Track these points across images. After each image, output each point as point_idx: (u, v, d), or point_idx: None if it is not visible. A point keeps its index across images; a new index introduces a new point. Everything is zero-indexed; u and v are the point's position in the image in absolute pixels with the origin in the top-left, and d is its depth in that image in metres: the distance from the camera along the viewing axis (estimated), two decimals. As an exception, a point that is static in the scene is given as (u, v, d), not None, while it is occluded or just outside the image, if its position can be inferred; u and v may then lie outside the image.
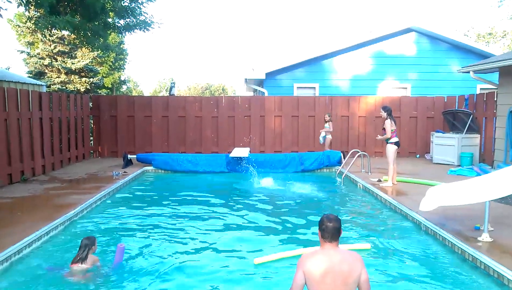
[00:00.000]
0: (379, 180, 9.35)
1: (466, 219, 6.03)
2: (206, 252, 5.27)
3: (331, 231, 3.16)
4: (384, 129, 8.87)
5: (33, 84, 13.35)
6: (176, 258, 5.04)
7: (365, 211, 7.38)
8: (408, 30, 15.55)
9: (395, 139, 8.77)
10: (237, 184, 9.66)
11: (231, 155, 11.31)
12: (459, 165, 11.25)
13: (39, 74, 19.62)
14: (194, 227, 6.34)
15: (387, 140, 8.83)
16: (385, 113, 8.78)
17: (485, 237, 5.19)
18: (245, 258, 5.05)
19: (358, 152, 10.77)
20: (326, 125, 12.48)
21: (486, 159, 11.43)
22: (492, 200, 5.24)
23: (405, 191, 8.19)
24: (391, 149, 8.76)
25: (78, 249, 4.60)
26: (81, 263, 4.49)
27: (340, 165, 11.13)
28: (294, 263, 4.68)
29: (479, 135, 11.70)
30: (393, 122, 8.74)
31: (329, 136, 12.48)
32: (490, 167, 10.68)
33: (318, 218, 6.72)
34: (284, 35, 77.03)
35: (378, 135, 9.29)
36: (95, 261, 4.62)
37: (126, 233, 6.02)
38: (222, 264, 4.86)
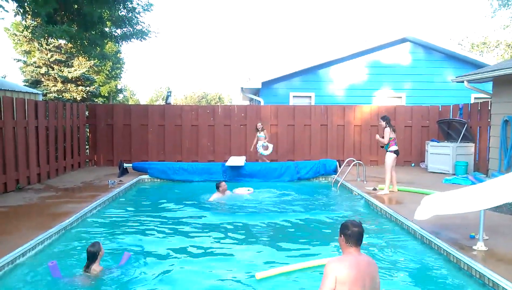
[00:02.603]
0: (375, 189, 9.38)
1: (461, 228, 6.05)
2: (205, 267, 5.09)
3: (356, 236, 3.26)
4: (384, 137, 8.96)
5: (29, 92, 13.37)
6: (173, 273, 4.91)
7: (360, 220, 7.35)
8: (403, 40, 15.71)
9: (394, 148, 8.85)
10: (233, 194, 9.61)
11: (227, 164, 11.31)
12: (454, 174, 11.30)
13: (35, 83, 19.64)
14: (190, 239, 6.22)
15: (386, 148, 8.90)
16: (384, 122, 8.90)
17: (480, 245, 5.20)
18: (246, 274, 4.89)
19: (354, 160, 10.81)
20: (262, 134, 12.31)
21: (480, 168, 11.49)
22: (487, 209, 5.27)
23: (401, 200, 8.21)
24: (390, 157, 8.83)
25: (86, 258, 4.69)
26: (87, 271, 4.60)
27: (335, 174, 11.16)
28: (297, 276, 4.68)
29: (473, 144, 11.77)
30: (392, 131, 8.83)
31: (266, 144, 12.24)
32: (485, 176, 10.73)
33: (316, 228, 6.75)
34: (280, 44, 77.47)
35: (377, 135, 9.25)
36: (100, 270, 4.68)
37: (122, 243, 5.98)
38: (223, 281, 4.71)
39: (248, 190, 9.72)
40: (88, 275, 4.60)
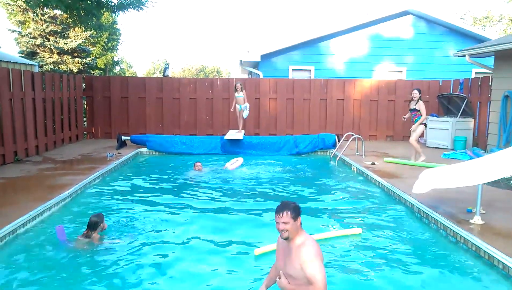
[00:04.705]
0: (373, 163, 9.40)
1: (458, 202, 6.10)
2: (203, 244, 5.06)
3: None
4: (414, 110, 9.25)
5: (25, 64, 13.17)
6: (171, 247, 4.91)
7: (358, 194, 7.42)
8: (405, 13, 15.45)
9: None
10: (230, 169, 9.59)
11: (226, 137, 11.29)
12: (452, 149, 11.32)
13: (31, 54, 19.32)
14: (187, 214, 6.17)
15: (416, 121, 9.26)
16: (419, 95, 9.20)
17: (477, 219, 5.25)
18: (245, 250, 4.88)
19: (353, 135, 10.79)
20: (241, 94, 11.46)
21: (479, 143, 11.50)
22: (484, 184, 5.29)
23: (399, 174, 8.24)
24: (421, 129, 9.31)
25: (86, 226, 4.85)
26: (86, 238, 4.77)
27: (334, 148, 11.16)
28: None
29: (473, 119, 11.74)
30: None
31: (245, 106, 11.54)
32: (484, 151, 10.75)
33: (313, 202, 6.76)
34: (280, 16, 76.25)
35: (404, 117, 9.71)
36: (98, 238, 4.85)
37: (120, 215, 6.02)
38: (222, 256, 4.70)
39: (237, 160, 9.52)
40: (88, 241, 4.75)
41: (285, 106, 13.70)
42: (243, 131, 11.96)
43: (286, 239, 3.13)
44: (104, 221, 4.95)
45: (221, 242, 5.12)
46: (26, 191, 6.64)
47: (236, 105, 11.65)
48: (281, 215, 3.10)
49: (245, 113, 11.64)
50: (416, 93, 9.24)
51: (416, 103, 9.20)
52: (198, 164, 8.94)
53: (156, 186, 7.77)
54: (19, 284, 3.96)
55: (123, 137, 11.64)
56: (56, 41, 19.28)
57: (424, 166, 8.63)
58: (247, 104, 11.62)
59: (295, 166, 9.89)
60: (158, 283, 4.08)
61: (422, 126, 9.36)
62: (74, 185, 6.98)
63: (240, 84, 11.52)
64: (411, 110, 9.36)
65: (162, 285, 4.07)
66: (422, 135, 9.54)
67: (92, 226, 4.77)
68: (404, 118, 9.77)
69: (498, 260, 4.25)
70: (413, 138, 9.29)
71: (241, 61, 15.82)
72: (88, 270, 4.26)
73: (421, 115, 9.16)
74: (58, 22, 19.33)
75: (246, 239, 5.23)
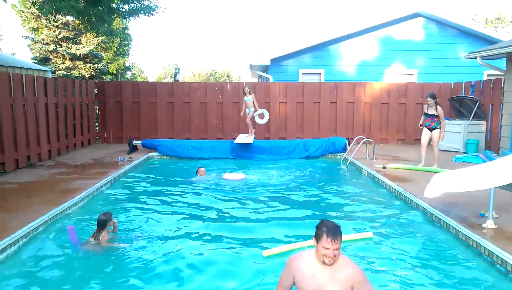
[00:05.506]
0: (384, 167, 9.34)
1: (470, 206, 6.02)
2: (213, 245, 5.10)
3: None
4: (432, 116, 9.09)
5: (38, 70, 13.37)
6: (181, 250, 4.91)
7: (369, 198, 7.37)
8: (415, 15, 15.36)
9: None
10: (241, 172, 9.60)
11: (236, 141, 11.32)
12: (464, 152, 11.20)
13: (44, 60, 19.63)
14: (199, 217, 6.22)
15: (436, 126, 9.12)
16: (433, 100, 9.04)
17: (489, 224, 5.18)
18: (253, 252, 4.89)
19: (363, 138, 10.74)
20: (249, 98, 11.33)
21: (492, 146, 11.36)
22: (497, 187, 5.22)
23: (410, 178, 8.17)
24: (438, 134, 9.16)
25: (96, 225, 4.94)
26: (95, 238, 4.86)
27: (345, 152, 11.11)
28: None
29: (485, 122, 11.61)
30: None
31: (261, 111, 11.67)
32: (496, 154, 10.62)
33: (324, 206, 6.73)
34: (289, 20, 76.31)
35: (441, 135, 9.22)
36: (107, 238, 4.91)
37: (131, 219, 6.05)
38: (230, 258, 4.72)
39: (238, 174, 9.23)
40: (96, 242, 4.82)
41: (295, 109, 13.70)
42: (253, 135, 11.97)
43: (331, 264, 2.87)
44: (112, 218, 5.06)
45: (230, 244, 5.15)
46: (39, 195, 6.72)
47: (246, 109, 11.66)
48: (336, 240, 2.81)
49: (263, 120, 11.78)
50: (430, 100, 9.05)
51: (436, 109, 9.02)
52: (202, 169, 8.94)
53: (166, 191, 7.80)
54: (31, 286, 4.00)
55: (135, 142, 11.75)
56: (69, 47, 19.57)
57: (430, 171, 8.54)
58: (265, 111, 11.77)
59: (306, 170, 9.86)
60: (165, 285, 4.11)
61: (438, 131, 9.20)
62: (86, 189, 7.05)
63: (248, 88, 11.48)
64: (429, 115, 9.16)
65: (169, 286, 4.10)
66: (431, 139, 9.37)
67: (101, 224, 4.88)
68: (421, 126, 9.58)
69: (511, 265, 4.19)
70: (435, 146, 9.27)
71: (251, 65, 15.87)
72: (97, 272, 4.29)
73: (439, 121, 9.02)
74: (70, 28, 19.63)
75: (255, 241, 5.25)
